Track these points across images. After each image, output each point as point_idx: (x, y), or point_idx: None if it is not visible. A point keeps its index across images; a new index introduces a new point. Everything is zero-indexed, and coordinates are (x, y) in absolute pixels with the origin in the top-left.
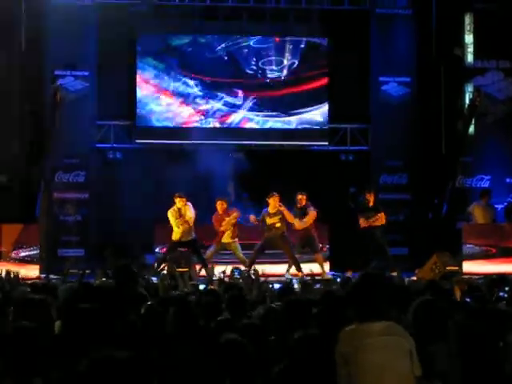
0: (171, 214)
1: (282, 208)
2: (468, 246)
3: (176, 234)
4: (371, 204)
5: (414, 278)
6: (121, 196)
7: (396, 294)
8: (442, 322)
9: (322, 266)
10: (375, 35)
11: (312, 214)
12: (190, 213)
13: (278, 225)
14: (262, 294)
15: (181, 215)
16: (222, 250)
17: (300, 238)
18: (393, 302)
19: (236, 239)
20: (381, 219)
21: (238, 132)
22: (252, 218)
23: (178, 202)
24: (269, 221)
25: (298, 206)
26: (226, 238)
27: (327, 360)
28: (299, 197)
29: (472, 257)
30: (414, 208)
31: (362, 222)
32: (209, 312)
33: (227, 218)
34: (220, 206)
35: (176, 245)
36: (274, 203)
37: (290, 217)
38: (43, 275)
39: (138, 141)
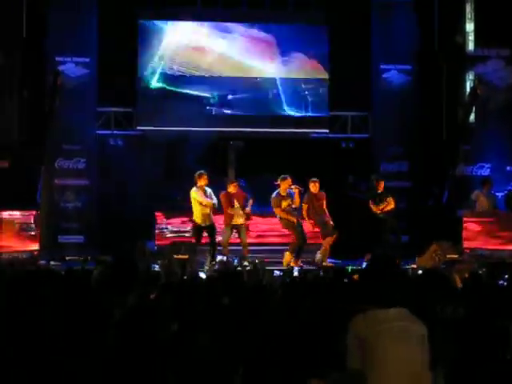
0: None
1: (297, 189)
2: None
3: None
4: (380, 190)
5: (414, 266)
6: (121, 183)
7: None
8: (439, 309)
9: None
10: (376, 23)
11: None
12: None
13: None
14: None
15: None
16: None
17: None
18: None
19: (247, 222)
20: (390, 204)
21: (238, 118)
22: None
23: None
24: (284, 204)
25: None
26: (238, 220)
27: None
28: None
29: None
30: (415, 196)
31: (374, 208)
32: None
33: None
34: (233, 187)
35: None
36: (284, 186)
37: (298, 200)
38: (43, 261)
39: (139, 127)
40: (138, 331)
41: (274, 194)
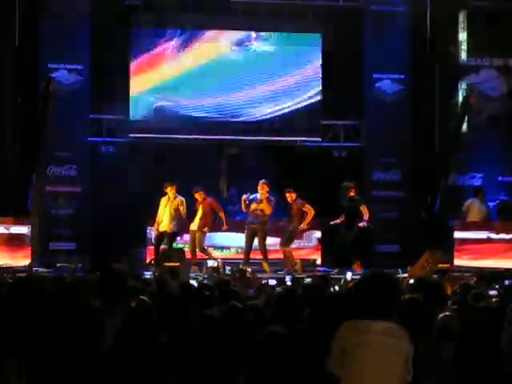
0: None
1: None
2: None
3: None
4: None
5: (406, 275)
6: (113, 190)
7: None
8: (429, 320)
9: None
10: (369, 32)
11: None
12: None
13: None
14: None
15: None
16: None
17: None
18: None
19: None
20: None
21: (231, 126)
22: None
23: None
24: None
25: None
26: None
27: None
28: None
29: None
30: (407, 205)
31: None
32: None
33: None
34: (198, 195)
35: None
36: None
37: (266, 207)
38: (34, 268)
39: (130, 135)
40: (132, 339)
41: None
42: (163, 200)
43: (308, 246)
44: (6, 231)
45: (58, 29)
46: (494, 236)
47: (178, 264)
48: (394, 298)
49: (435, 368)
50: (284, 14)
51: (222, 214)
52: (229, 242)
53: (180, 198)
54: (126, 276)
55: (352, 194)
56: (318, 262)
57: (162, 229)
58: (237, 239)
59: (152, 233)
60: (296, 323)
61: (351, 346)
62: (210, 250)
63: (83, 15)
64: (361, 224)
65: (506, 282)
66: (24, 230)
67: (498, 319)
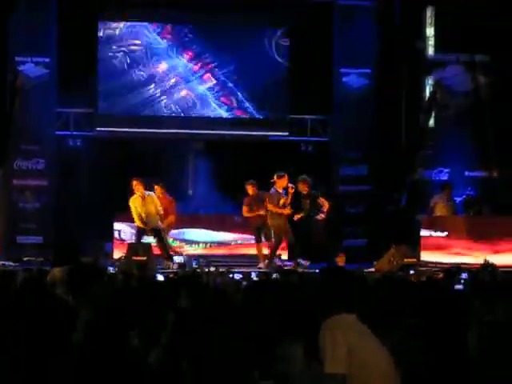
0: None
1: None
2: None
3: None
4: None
5: (372, 270)
6: (80, 184)
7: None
8: (396, 315)
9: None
10: (337, 26)
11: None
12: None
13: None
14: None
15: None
16: None
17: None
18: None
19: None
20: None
21: (198, 121)
22: None
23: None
24: (281, 201)
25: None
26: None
27: None
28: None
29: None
30: (374, 200)
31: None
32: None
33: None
34: (250, 188)
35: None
36: (280, 184)
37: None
38: (1, 262)
39: (98, 129)
40: (105, 333)
41: (271, 191)
42: (137, 199)
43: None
44: None
45: (25, 22)
46: (459, 231)
47: (144, 258)
48: (350, 292)
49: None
50: (252, 8)
51: (172, 217)
52: (198, 237)
53: (153, 195)
54: (95, 269)
55: (306, 188)
56: (285, 257)
57: (151, 226)
58: (205, 235)
59: (124, 227)
60: None
61: (355, 343)
62: (183, 244)
63: (50, 7)
64: (319, 217)
65: (464, 276)
66: None
67: (463, 314)
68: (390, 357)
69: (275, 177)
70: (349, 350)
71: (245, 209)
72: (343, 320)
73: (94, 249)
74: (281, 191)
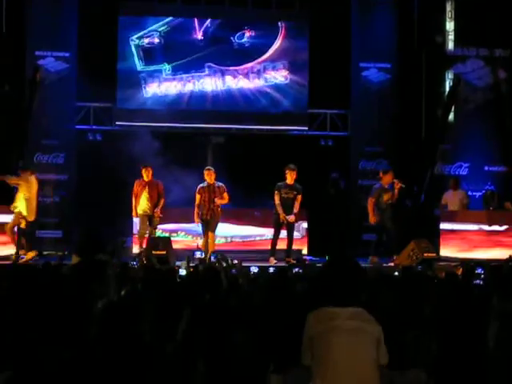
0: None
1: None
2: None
3: None
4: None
5: (392, 264)
6: (100, 178)
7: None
8: (417, 311)
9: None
10: (356, 21)
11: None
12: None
13: None
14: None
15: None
16: None
17: None
18: (364, 288)
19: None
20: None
21: (218, 115)
22: None
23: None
24: (385, 197)
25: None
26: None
27: None
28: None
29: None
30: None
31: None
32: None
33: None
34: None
35: None
36: (386, 179)
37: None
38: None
39: (118, 123)
40: (121, 325)
41: (376, 185)
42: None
43: (296, 237)
44: None
45: (45, 16)
46: (481, 226)
47: (164, 252)
48: (357, 283)
49: (422, 359)
50: (271, 3)
51: (161, 201)
52: (217, 232)
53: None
54: (107, 265)
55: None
56: (305, 251)
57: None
58: (224, 229)
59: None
60: None
61: (319, 334)
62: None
63: (70, 2)
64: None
65: (481, 270)
66: (10, 218)
67: (482, 309)
68: (367, 358)
69: (381, 172)
70: (311, 341)
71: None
72: (320, 312)
73: (113, 244)
74: (386, 187)
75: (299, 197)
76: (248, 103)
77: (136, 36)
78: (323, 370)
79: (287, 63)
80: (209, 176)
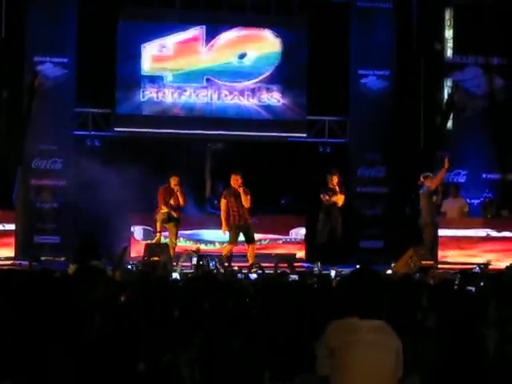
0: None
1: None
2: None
3: None
4: (332, 186)
5: (390, 271)
6: (98, 184)
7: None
8: (412, 316)
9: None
10: (355, 28)
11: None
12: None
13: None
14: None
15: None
16: None
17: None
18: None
19: None
20: (338, 199)
21: (217, 122)
22: None
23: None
24: (433, 199)
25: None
26: None
27: None
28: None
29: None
30: (391, 201)
31: (322, 197)
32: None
33: None
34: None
35: None
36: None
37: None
38: (18, 261)
39: (116, 129)
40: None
41: (423, 189)
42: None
43: (293, 242)
44: None
45: (43, 22)
46: (479, 233)
47: (162, 258)
48: (381, 296)
49: (419, 365)
50: (270, 10)
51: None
52: (214, 238)
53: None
54: (102, 271)
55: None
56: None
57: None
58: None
59: (135, 227)
60: None
61: (341, 346)
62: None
63: (69, 8)
64: None
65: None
66: (8, 224)
67: (478, 316)
68: (387, 371)
69: (421, 177)
70: (331, 352)
71: None
72: (342, 324)
73: (112, 251)
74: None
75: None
76: (245, 111)
77: (147, 42)
78: (343, 381)
79: (285, 85)
80: (233, 181)
